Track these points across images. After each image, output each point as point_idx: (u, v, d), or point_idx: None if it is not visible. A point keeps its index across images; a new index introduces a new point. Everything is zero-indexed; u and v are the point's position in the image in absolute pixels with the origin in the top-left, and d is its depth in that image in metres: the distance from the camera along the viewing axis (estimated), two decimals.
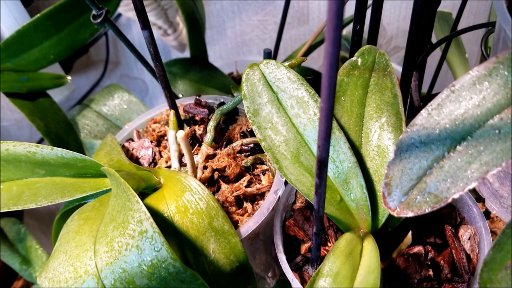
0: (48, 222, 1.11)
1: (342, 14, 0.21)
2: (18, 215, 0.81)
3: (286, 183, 0.43)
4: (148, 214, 0.31)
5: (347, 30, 0.90)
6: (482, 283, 0.30)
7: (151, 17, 0.81)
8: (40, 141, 0.98)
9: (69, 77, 0.65)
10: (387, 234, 0.39)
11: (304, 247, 0.43)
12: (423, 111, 0.29)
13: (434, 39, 0.65)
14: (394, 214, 0.29)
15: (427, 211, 0.28)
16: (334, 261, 0.34)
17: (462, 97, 0.28)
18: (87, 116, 0.68)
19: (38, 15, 0.59)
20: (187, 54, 0.94)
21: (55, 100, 0.66)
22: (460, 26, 0.66)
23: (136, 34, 0.98)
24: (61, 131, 0.64)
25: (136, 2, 0.36)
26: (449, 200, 0.27)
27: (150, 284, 0.31)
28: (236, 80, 0.87)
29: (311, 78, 0.40)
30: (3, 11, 0.76)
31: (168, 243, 0.31)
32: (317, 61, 0.88)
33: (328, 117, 0.26)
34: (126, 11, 0.81)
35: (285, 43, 1.07)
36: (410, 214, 0.29)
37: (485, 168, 0.27)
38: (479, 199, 0.49)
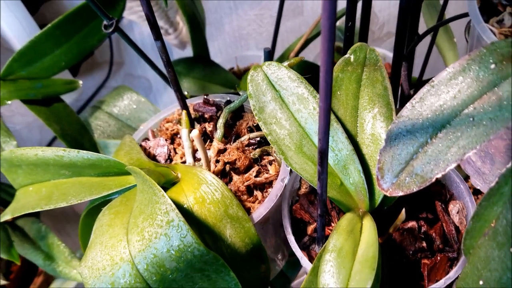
0: (63, 222, 1.16)
1: (334, 34, 0.25)
2: (35, 215, 0.85)
3: (290, 171, 0.48)
4: (174, 206, 0.36)
5: (340, 22, 0.93)
6: (465, 249, 0.35)
7: None
8: (50, 142, 1.02)
9: (80, 82, 0.69)
10: (383, 212, 0.43)
11: (310, 228, 0.48)
12: (408, 104, 0.33)
13: (423, 25, 0.69)
14: (387, 194, 0.34)
15: (415, 190, 0.33)
16: (337, 238, 0.38)
17: (441, 90, 0.32)
18: (99, 118, 0.72)
19: (49, 25, 0.63)
20: (187, 51, 0.98)
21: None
22: (448, 10, 0.70)
23: (138, 35, 1.01)
24: (76, 133, 0.68)
25: (149, 16, 0.40)
26: (433, 180, 0.32)
27: (178, 267, 0.36)
28: (237, 75, 0.91)
29: (309, 76, 0.44)
30: (10, 19, 0.80)
31: (192, 230, 0.36)
32: (313, 51, 0.92)
33: (327, 114, 0.31)
34: (129, 14, 0.84)
35: (281, 35, 1.10)
36: (400, 193, 0.33)
37: (462, 151, 0.31)
38: (467, 178, 0.53)
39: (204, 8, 0.83)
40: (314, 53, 0.98)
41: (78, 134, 0.68)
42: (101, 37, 0.68)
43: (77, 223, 1.27)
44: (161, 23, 0.88)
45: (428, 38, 0.76)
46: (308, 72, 0.48)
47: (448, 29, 0.87)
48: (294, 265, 0.79)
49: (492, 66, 0.31)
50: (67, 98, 0.87)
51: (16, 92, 0.63)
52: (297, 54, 0.75)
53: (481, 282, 0.33)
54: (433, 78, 0.33)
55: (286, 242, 0.58)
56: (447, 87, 0.32)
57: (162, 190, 0.37)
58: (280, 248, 0.57)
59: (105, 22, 0.53)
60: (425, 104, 0.33)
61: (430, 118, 0.32)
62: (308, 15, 1.12)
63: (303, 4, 1.08)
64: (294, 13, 1.08)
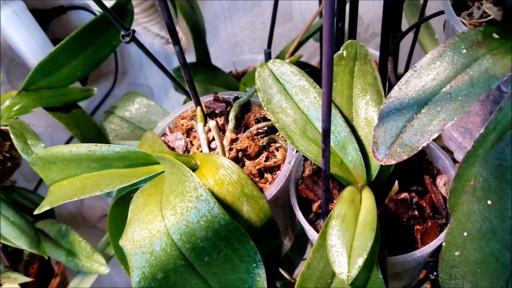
0: (73, 225, 1.21)
1: (333, 31, 0.32)
2: (51, 218, 0.91)
3: (296, 156, 0.54)
4: (201, 183, 0.42)
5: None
6: (450, 208, 0.42)
7: (156, 29, 0.91)
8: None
9: (95, 89, 0.75)
10: (379, 185, 0.49)
11: (315, 206, 0.54)
12: (395, 86, 0.40)
13: (406, 24, 0.75)
14: (382, 163, 0.40)
15: (405, 157, 0.39)
16: (341, 207, 0.44)
17: (422, 74, 0.39)
18: (113, 122, 0.78)
19: (66, 38, 0.69)
20: (187, 58, 1.05)
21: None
22: (429, 9, 0.77)
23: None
24: (93, 136, 0.74)
25: (169, 24, 0.46)
26: (420, 148, 0.38)
27: (206, 235, 0.42)
28: (236, 77, 0.97)
29: (309, 70, 0.51)
30: (25, 35, 0.86)
31: (218, 203, 0.42)
32: (305, 53, 0.99)
33: (328, 98, 0.37)
34: (132, 26, 0.91)
35: (273, 40, 1.17)
36: (393, 162, 0.39)
37: (443, 123, 0.38)
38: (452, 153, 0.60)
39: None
40: (306, 55, 1.05)
41: (95, 137, 0.74)
42: (112, 47, 0.74)
43: (86, 229, 1.34)
44: (162, 33, 0.94)
45: (411, 37, 0.83)
46: (310, 72, 0.54)
47: (430, 27, 0.94)
48: (299, 250, 0.85)
49: (464, 51, 0.38)
50: None
51: (39, 101, 0.69)
52: (291, 55, 0.81)
53: (465, 234, 0.39)
54: (415, 64, 0.39)
55: (293, 223, 0.64)
56: (427, 70, 0.39)
57: (191, 171, 0.43)
58: (287, 230, 0.64)
59: (122, 33, 0.59)
60: (410, 85, 0.39)
61: (414, 97, 0.39)
62: (298, 20, 1.19)
63: (292, 10, 1.15)
64: (284, 19, 1.15)
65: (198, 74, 0.83)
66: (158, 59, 0.62)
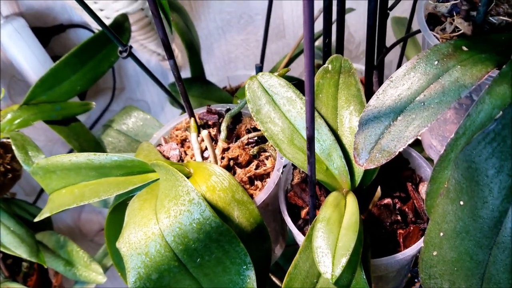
0: (71, 239, 1.23)
1: (313, 45, 0.35)
2: (51, 229, 0.93)
3: (284, 165, 0.57)
4: (193, 187, 0.45)
5: (319, 42, 1.04)
6: (427, 209, 0.44)
7: (152, 46, 0.94)
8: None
9: (93, 103, 0.78)
10: (363, 191, 0.52)
11: (303, 212, 0.56)
12: (374, 96, 0.43)
13: (393, 39, 0.79)
14: (363, 167, 0.43)
15: (384, 162, 0.41)
16: (326, 211, 0.47)
17: (398, 84, 0.42)
18: (110, 135, 0.81)
19: (67, 54, 0.72)
20: (182, 74, 1.08)
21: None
22: (415, 25, 0.80)
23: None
24: (92, 149, 0.77)
25: (164, 40, 0.49)
26: (397, 153, 0.41)
27: (198, 237, 0.44)
28: (230, 92, 1.00)
29: (295, 82, 0.54)
30: (26, 52, 0.89)
31: (209, 206, 0.44)
32: (296, 69, 1.02)
33: (311, 106, 0.40)
34: (130, 43, 0.94)
35: (266, 56, 1.20)
36: (373, 166, 0.42)
37: (417, 129, 0.40)
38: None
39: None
40: (297, 71, 1.09)
41: (93, 150, 0.76)
42: (111, 63, 0.77)
43: (84, 243, 1.35)
44: (159, 50, 0.97)
45: (398, 52, 0.86)
46: (297, 85, 0.57)
47: (416, 42, 0.98)
48: (291, 260, 0.87)
49: (436, 62, 0.41)
50: None
51: (39, 114, 0.72)
52: (286, 72, 0.85)
53: (441, 234, 0.42)
54: (391, 75, 0.42)
55: (283, 230, 0.67)
56: (403, 81, 0.42)
57: (184, 176, 0.45)
58: (278, 237, 0.66)
59: (120, 48, 0.62)
60: (387, 95, 0.42)
61: (391, 106, 0.42)
62: (290, 38, 1.22)
63: (285, 28, 1.19)
64: (277, 37, 1.19)
65: (193, 89, 0.86)
66: (154, 75, 0.65)
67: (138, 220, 0.46)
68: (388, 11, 0.65)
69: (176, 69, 0.53)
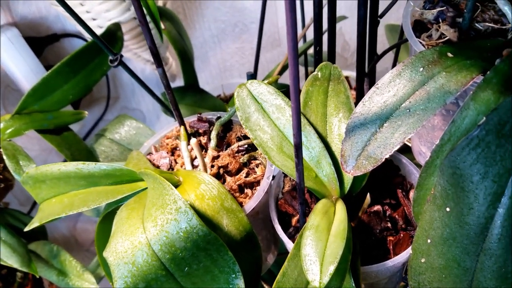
0: (66, 249, 1.23)
1: (297, 53, 0.35)
2: (45, 239, 0.93)
3: (274, 171, 0.57)
4: (180, 196, 0.44)
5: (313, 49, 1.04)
6: (414, 215, 0.44)
7: (146, 54, 0.94)
8: None
9: (86, 112, 0.78)
10: (352, 198, 0.52)
11: (294, 220, 0.56)
12: (360, 103, 0.43)
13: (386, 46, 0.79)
14: (350, 174, 0.43)
15: (370, 169, 0.41)
16: (314, 218, 0.47)
17: (384, 90, 0.42)
18: (103, 144, 0.81)
19: (59, 63, 0.72)
20: (177, 83, 1.08)
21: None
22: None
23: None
24: (84, 158, 0.77)
25: (152, 48, 0.49)
26: (383, 159, 0.41)
27: (186, 246, 0.44)
28: (224, 100, 1.01)
29: (285, 90, 0.54)
30: (19, 62, 0.89)
31: (196, 214, 0.44)
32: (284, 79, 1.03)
33: (297, 113, 0.40)
34: (123, 52, 0.94)
35: (262, 65, 1.21)
36: (360, 173, 0.42)
37: (403, 136, 0.40)
38: None
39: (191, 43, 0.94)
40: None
41: (86, 159, 0.76)
42: (103, 72, 0.77)
43: (80, 253, 1.35)
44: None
45: (391, 58, 0.87)
46: (287, 92, 0.57)
47: (409, 48, 0.98)
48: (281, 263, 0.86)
49: (421, 69, 0.41)
50: None
51: (31, 124, 0.72)
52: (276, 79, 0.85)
53: (429, 241, 0.42)
54: (377, 82, 0.42)
55: (275, 239, 0.66)
56: (388, 87, 0.42)
57: (171, 184, 0.45)
58: (270, 245, 0.66)
59: (110, 57, 0.62)
60: (373, 102, 0.42)
61: (377, 112, 0.42)
62: (285, 46, 1.23)
63: (280, 37, 1.19)
64: (273, 45, 1.19)
65: (187, 98, 0.86)
66: (149, 84, 0.66)
67: (125, 229, 0.46)
68: (379, 18, 0.66)
69: (165, 77, 0.53)
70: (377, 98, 0.42)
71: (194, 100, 0.85)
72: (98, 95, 1.12)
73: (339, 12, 0.90)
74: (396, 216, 0.53)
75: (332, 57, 0.71)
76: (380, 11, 0.65)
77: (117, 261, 0.44)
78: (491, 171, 0.36)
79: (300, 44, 0.94)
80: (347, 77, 0.90)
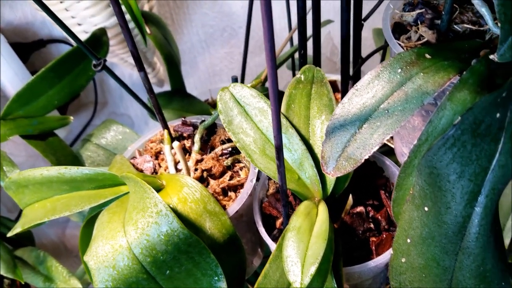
0: (55, 255, 1.22)
1: (274, 55, 0.35)
2: (32, 245, 0.92)
3: (258, 173, 0.57)
4: (161, 199, 0.44)
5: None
6: (394, 215, 0.44)
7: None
8: None
9: (71, 117, 0.78)
10: (335, 200, 0.52)
11: (278, 222, 0.56)
12: (339, 105, 0.43)
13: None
14: (330, 176, 0.43)
15: (350, 170, 0.41)
16: (296, 219, 0.47)
17: (363, 92, 0.42)
18: (89, 149, 0.81)
19: (43, 69, 0.72)
20: (165, 88, 1.08)
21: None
22: None
23: (119, 75, 1.11)
24: (69, 163, 0.76)
25: (133, 52, 0.49)
26: (363, 160, 0.41)
27: (167, 249, 0.44)
28: (211, 105, 1.00)
29: (268, 93, 0.54)
30: (5, 68, 0.89)
31: (177, 217, 0.44)
32: (283, 82, 1.03)
33: (277, 116, 0.40)
34: (111, 57, 0.94)
35: (251, 69, 1.21)
36: (340, 174, 0.42)
37: (382, 137, 0.41)
38: None
39: (178, 48, 0.94)
40: (281, 83, 1.09)
41: (71, 164, 0.76)
42: (88, 77, 0.77)
43: (69, 259, 1.34)
44: None
45: (378, 60, 0.87)
46: (267, 95, 0.57)
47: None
48: None
49: (399, 70, 0.41)
50: None
51: (16, 129, 0.71)
52: (263, 83, 0.85)
53: (408, 240, 0.42)
54: (356, 83, 0.42)
55: (261, 240, 0.66)
56: (367, 89, 0.42)
57: (152, 188, 0.45)
58: (256, 248, 0.66)
59: (94, 62, 0.62)
60: (352, 103, 0.42)
61: (356, 114, 0.42)
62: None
63: None
64: (261, 49, 1.20)
65: (174, 102, 0.86)
66: (136, 89, 0.66)
67: (106, 233, 0.46)
68: (363, 22, 0.66)
69: (147, 81, 0.53)
70: (356, 100, 0.42)
71: (181, 105, 0.85)
72: (86, 100, 1.12)
73: (327, 16, 0.91)
74: (379, 217, 0.54)
75: (317, 60, 0.71)
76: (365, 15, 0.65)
77: (98, 265, 0.44)
78: (467, 170, 0.36)
79: (288, 48, 0.94)
80: (335, 81, 0.90)
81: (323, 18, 0.87)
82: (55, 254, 1.21)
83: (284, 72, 1.05)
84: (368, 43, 0.96)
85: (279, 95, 0.59)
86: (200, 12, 1.09)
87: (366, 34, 0.72)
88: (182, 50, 1.15)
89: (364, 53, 0.71)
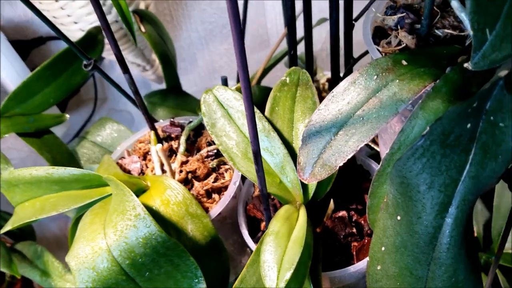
0: (56, 249, 1.24)
1: (245, 59, 0.35)
2: (32, 239, 0.94)
3: (244, 180, 0.57)
4: (139, 202, 0.45)
5: (301, 52, 1.04)
6: (370, 223, 0.44)
7: (131, 57, 0.95)
8: None
9: (67, 115, 0.79)
10: (317, 204, 0.52)
11: (262, 225, 0.57)
12: (316, 111, 0.43)
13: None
14: (306, 182, 0.43)
15: (325, 176, 0.42)
16: (276, 224, 0.47)
17: (339, 98, 0.42)
18: (85, 146, 0.82)
19: (39, 67, 0.73)
20: (164, 85, 1.09)
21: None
22: None
23: (119, 73, 1.12)
24: (65, 160, 0.77)
25: (117, 54, 0.50)
26: (337, 168, 0.41)
27: (145, 252, 0.45)
28: None
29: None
30: (5, 65, 0.90)
31: (155, 221, 0.44)
32: (275, 80, 1.02)
33: (252, 121, 0.39)
34: (108, 55, 0.95)
35: (251, 66, 1.20)
36: (315, 181, 0.42)
37: (357, 144, 0.41)
38: None
39: (176, 45, 0.94)
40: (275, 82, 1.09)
41: (67, 162, 0.77)
42: (84, 75, 0.78)
43: None
44: (138, 60, 0.98)
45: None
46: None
47: None
48: None
49: (375, 77, 0.41)
50: (57, 133, 0.96)
51: (12, 127, 0.72)
52: (258, 81, 0.85)
53: (383, 248, 0.42)
54: (332, 90, 0.42)
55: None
56: (343, 95, 0.42)
57: (131, 191, 0.46)
58: (244, 249, 0.66)
59: (85, 62, 0.62)
60: (328, 109, 0.42)
61: (332, 120, 0.42)
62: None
63: (269, 38, 1.19)
64: (261, 46, 1.19)
65: (169, 100, 0.86)
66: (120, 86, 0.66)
67: (87, 234, 0.47)
68: (354, 21, 0.66)
69: (132, 83, 0.53)
70: (332, 106, 0.42)
71: (176, 103, 0.86)
72: (85, 97, 1.13)
73: (322, 15, 0.90)
74: (362, 222, 0.54)
75: (309, 61, 0.71)
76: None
77: (78, 266, 0.45)
78: (437, 181, 0.36)
79: (285, 46, 0.94)
80: None
81: (320, 16, 0.87)
82: (58, 248, 1.23)
83: (284, 71, 1.05)
84: (362, 44, 0.95)
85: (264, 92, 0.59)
86: (199, 8, 1.08)
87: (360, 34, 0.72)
88: (181, 47, 1.15)
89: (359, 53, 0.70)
